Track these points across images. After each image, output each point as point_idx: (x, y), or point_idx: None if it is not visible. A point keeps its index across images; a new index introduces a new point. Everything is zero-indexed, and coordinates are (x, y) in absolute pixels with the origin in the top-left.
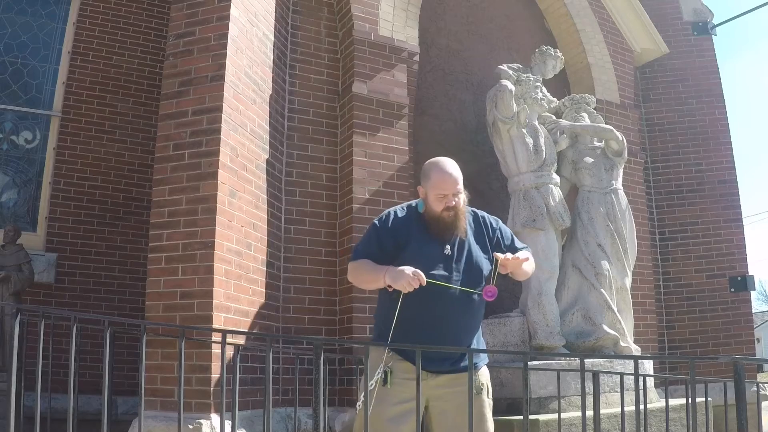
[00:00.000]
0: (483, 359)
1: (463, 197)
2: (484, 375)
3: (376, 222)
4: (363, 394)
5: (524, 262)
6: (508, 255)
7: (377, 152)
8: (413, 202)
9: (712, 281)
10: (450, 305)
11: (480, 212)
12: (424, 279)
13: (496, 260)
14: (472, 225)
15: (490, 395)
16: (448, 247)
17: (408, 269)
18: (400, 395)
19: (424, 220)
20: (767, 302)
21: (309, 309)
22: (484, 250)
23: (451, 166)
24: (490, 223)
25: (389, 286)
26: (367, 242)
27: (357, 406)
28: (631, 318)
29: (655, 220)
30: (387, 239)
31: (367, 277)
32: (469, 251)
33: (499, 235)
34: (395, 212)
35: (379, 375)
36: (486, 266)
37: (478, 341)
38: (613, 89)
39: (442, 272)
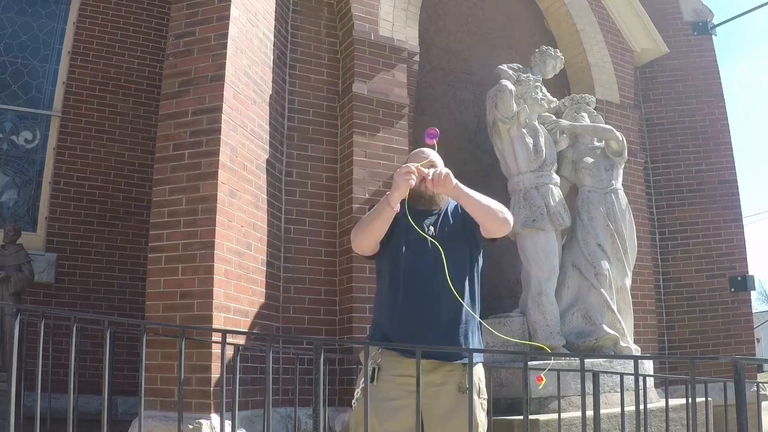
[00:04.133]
0: (477, 357)
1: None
2: (476, 373)
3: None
4: (356, 392)
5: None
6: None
7: (377, 152)
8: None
9: (712, 281)
10: (429, 289)
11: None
12: (419, 170)
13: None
14: (450, 208)
15: (483, 395)
16: (431, 227)
17: (401, 169)
18: (389, 393)
19: (410, 206)
20: (767, 302)
21: (309, 309)
22: (461, 231)
23: (425, 148)
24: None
25: (394, 210)
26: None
27: (352, 404)
28: (631, 318)
29: (655, 220)
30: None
31: (369, 219)
32: (449, 231)
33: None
34: None
35: (368, 373)
36: (460, 247)
37: (473, 336)
38: (613, 89)
39: (424, 253)
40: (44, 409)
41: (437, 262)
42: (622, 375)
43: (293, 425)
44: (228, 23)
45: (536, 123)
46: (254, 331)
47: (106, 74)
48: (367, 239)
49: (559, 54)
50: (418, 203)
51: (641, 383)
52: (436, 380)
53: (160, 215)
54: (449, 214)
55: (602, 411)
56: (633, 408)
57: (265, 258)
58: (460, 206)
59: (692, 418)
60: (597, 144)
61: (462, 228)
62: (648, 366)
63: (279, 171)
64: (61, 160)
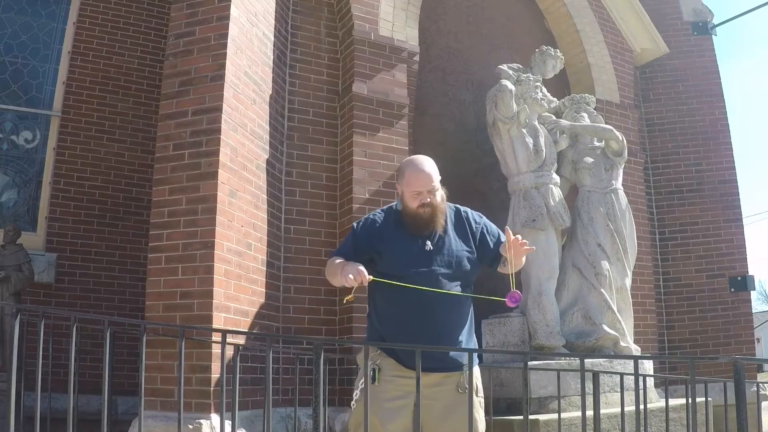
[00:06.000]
0: (475, 359)
1: (440, 193)
2: (474, 374)
3: (354, 225)
4: (356, 392)
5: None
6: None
7: (377, 152)
8: (393, 204)
9: (712, 281)
10: (434, 299)
11: (463, 208)
12: (366, 278)
13: (514, 274)
14: (453, 220)
15: (480, 394)
16: (428, 242)
17: (352, 267)
18: (389, 393)
19: (403, 219)
20: (767, 302)
21: (309, 309)
22: (467, 245)
23: (425, 163)
24: (474, 219)
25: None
26: (344, 244)
27: (351, 405)
28: (631, 318)
29: (655, 220)
30: (362, 243)
31: (331, 271)
32: (450, 246)
33: (484, 230)
34: (372, 216)
35: (368, 373)
36: (467, 260)
37: (470, 338)
38: (613, 89)
39: (423, 268)
40: (44, 409)
41: (442, 285)
42: (622, 375)
43: (293, 425)
44: (228, 23)
45: (536, 123)
46: (254, 331)
47: (106, 74)
48: (333, 283)
49: (559, 54)
50: (416, 226)
51: (641, 383)
52: (439, 380)
53: (160, 215)
54: (451, 234)
55: (602, 411)
56: (633, 408)
57: (265, 258)
58: (478, 234)
59: (692, 418)
60: (597, 144)
61: (467, 249)
62: (648, 366)
63: (279, 171)
64: (61, 160)
